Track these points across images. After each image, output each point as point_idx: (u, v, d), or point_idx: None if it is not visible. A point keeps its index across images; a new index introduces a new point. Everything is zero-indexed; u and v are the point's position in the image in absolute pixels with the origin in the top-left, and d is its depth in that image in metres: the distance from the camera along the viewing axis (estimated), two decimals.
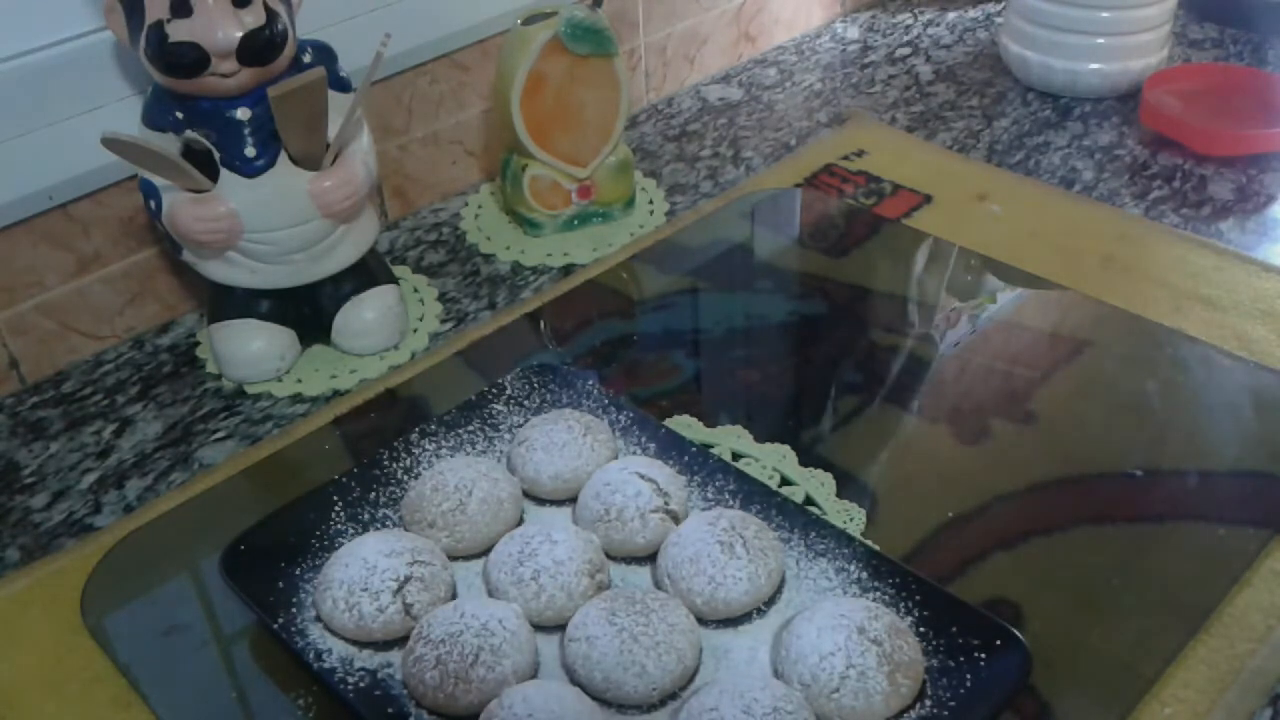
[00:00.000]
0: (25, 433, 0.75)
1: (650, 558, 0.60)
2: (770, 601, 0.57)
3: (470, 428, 0.68)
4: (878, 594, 0.57)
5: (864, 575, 0.58)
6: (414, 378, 0.76)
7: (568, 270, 0.86)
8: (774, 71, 1.14)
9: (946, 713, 0.52)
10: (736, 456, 0.68)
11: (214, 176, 0.70)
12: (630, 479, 0.61)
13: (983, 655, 0.53)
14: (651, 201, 0.94)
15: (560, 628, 0.56)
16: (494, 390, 0.70)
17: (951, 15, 1.23)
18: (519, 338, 0.79)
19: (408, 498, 0.63)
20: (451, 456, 0.66)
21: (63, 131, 0.74)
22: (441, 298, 0.84)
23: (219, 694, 0.56)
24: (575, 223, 0.90)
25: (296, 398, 0.76)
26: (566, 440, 0.64)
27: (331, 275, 0.76)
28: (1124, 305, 0.78)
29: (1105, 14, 1.00)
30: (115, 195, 0.78)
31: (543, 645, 0.56)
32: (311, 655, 0.55)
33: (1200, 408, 0.71)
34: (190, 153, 0.70)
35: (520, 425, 0.68)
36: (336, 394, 0.76)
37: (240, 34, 0.66)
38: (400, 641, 0.56)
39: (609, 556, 0.60)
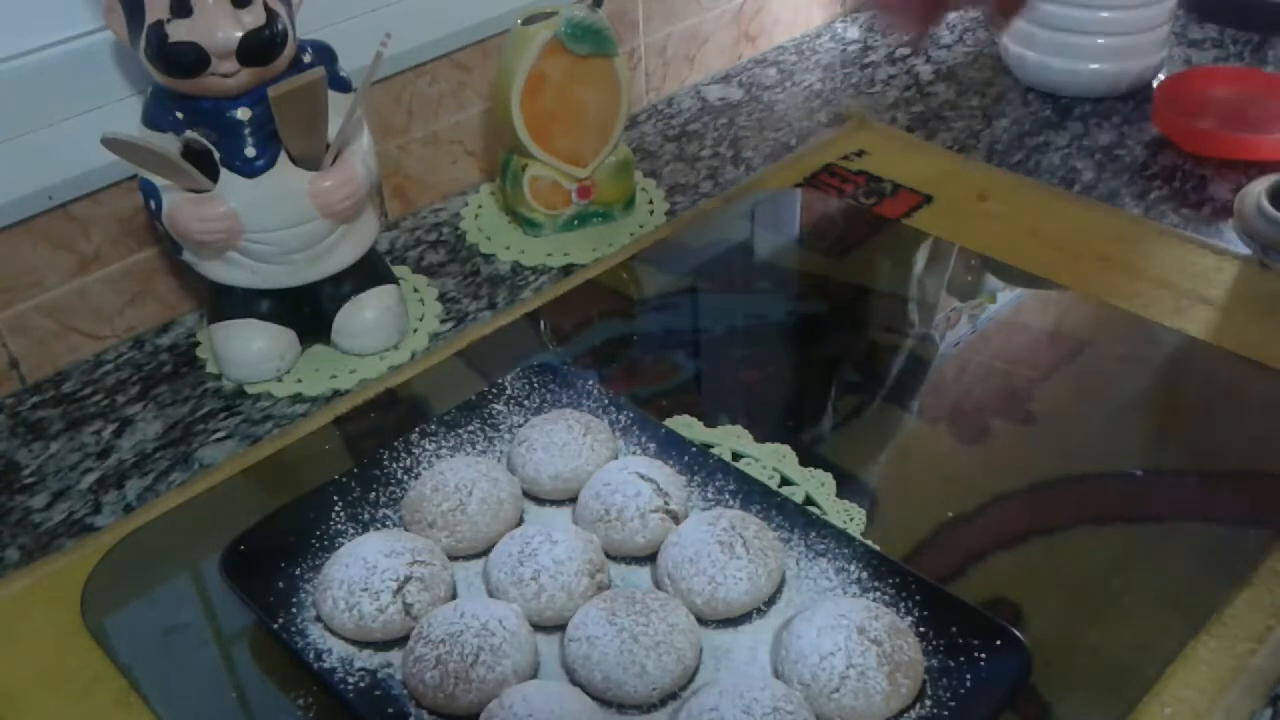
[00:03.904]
0: (25, 433, 0.75)
1: (650, 558, 0.60)
2: (770, 601, 0.57)
3: (470, 428, 0.68)
4: (878, 594, 0.57)
5: (864, 575, 0.58)
6: (414, 378, 0.76)
7: (568, 270, 0.86)
8: (774, 71, 1.14)
9: (946, 713, 0.52)
10: (736, 456, 0.68)
11: (214, 176, 0.70)
12: (630, 479, 0.61)
13: (983, 655, 0.53)
14: (651, 201, 0.94)
15: (560, 628, 0.56)
16: (494, 390, 0.70)
17: (952, 15, 1.23)
18: (519, 338, 0.79)
19: (408, 498, 0.63)
20: (451, 456, 0.66)
21: (63, 131, 0.74)
22: (441, 298, 0.84)
23: (219, 694, 0.56)
24: (575, 223, 0.90)
25: (296, 398, 0.76)
26: (566, 440, 0.64)
27: (331, 275, 0.76)
28: (1124, 305, 0.78)
29: (1105, 14, 1.00)
30: (115, 195, 0.78)
31: (543, 645, 0.56)
32: (311, 655, 0.55)
33: (1200, 408, 0.71)
34: (190, 153, 0.70)
35: (520, 425, 0.68)
36: (336, 394, 0.76)
37: (240, 34, 0.66)
38: (400, 641, 0.56)
39: (609, 556, 0.60)
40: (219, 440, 0.73)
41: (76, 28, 0.73)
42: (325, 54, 0.74)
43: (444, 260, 0.89)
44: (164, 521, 0.66)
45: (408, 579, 0.56)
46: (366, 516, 0.63)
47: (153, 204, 0.71)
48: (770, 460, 0.67)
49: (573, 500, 0.63)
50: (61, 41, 0.73)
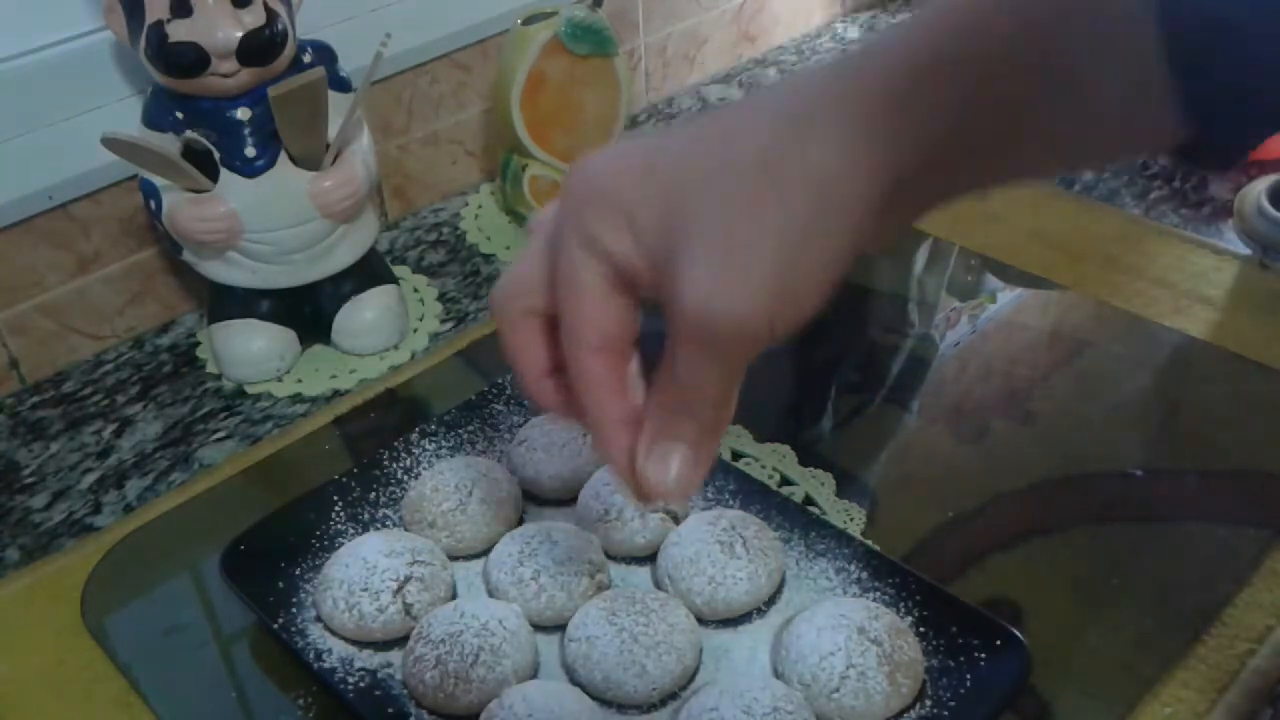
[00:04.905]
0: (25, 433, 0.75)
1: (650, 558, 0.60)
2: (770, 601, 0.57)
3: (470, 428, 0.68)
4: (878, 594, 0.57)
5: (864, 575, 0.58)
6: (414, 378, 0.76)
7: None
8: (774, 71, 1.14)
9: (946, 713, 0.52)
10: (736, 456, 0.68)
11: (214, 176, 0.70)
12: None
13: (983, 655, 0.53)
14: None
15: (560, 628, 0.56)
16: (494, 390, 0.70)
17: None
18: None
19: (408, 498, 0.63)
20: (451, 456, 0.66)
21: (63, 131, 0.74)
22: (441, 298, 0.84)
23: (219, 694, 0.56)
24: None
25: (296, 398, 0.76)
26: (566, 440, 0.64)
27: (331, 275, 0.76)
28: (1124, 305, 0.78)
29: None
30: (115, 195, 0.78)
31: (543, 645, 0.56)
32: (311, 655, 0.55)
33: (1200, 408, 0.71)
34: (190, 153, 0.70)
35: (520, 425, 0.68)
36: (336, 394, 0.76)
37: (240, 34, 0.66)
38: (400, 641, 0.56)
39: (609, 556, 0.60)
40: (219, 440, 0.73)
41: (76, 28, 0.73)
42: (325, 54, 0.74)
43: (444, 260, 0.89)
44: (164, 521, 0.66)
45: (408, 579, 0.56)
46: (366, 516, 0.63)
47: (153, 204, 0.71)
48: (770, 460, 0.67)
49: (573, 500, 0.63)
50: (61, 41, 0.73)
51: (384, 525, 0.63)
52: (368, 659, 0.56)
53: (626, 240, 0.32)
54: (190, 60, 0.66)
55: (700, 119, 0.33)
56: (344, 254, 0.76)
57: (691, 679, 0.54)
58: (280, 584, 0.59)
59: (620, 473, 0.35)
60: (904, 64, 0.31)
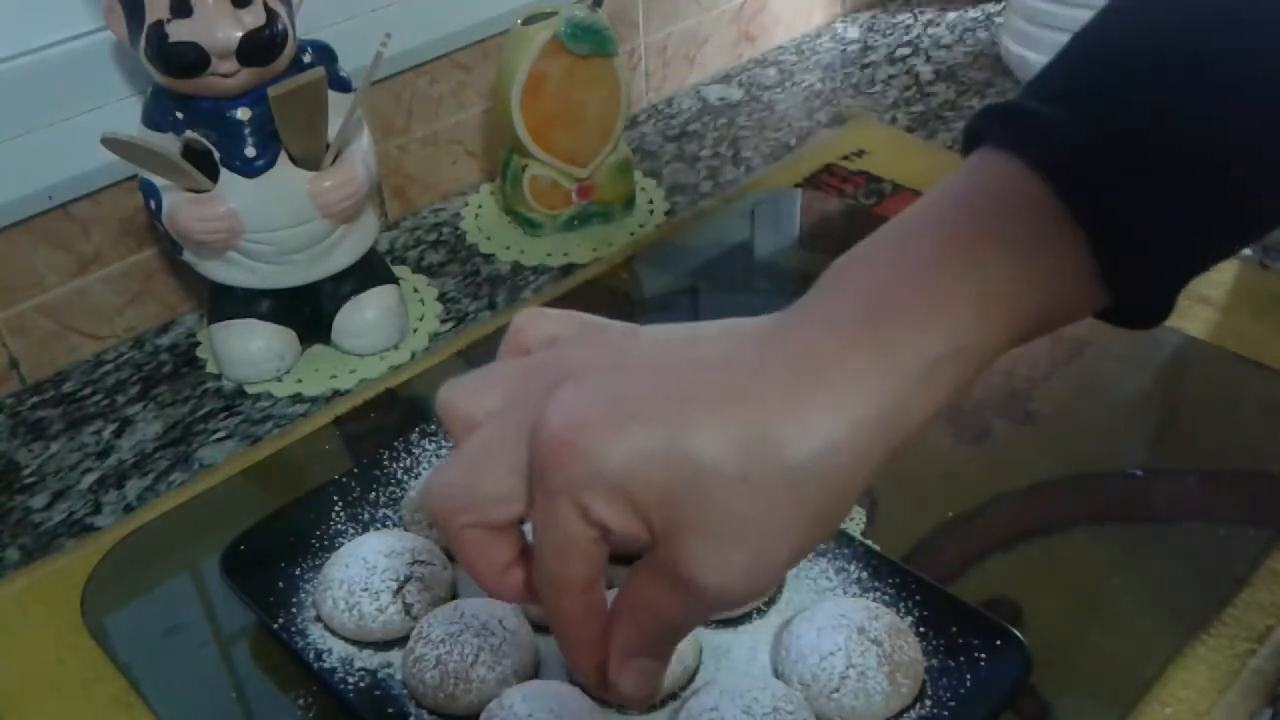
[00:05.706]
0: (25, 433, 0.75)
1: None
2: (770, 601, 0.57)
3: None
4: (878, 594, 0.57)
5: (864, 575, 0.58)
6: (414, 378, 0.76)
7: (568, 270, 0.86)
8: (774, 71, 1.14)
9: (946, 713, 0.52)
10: None
11: (214, 176, 0.70)
12: None
13: (983, 655, 0.53)
14: (651, 201, 0.94)
15: None
16: None
17: (951, 15, 1.23)
18: None
19: (408, 498, 0.63)
20: None
21: (63, 131, 0.74)
22: (441, 298, 0.84)
23: (219, 694, 0.56)
24: (575, 223, 0.90)
25: (296, 398, 0.76)
26: None
27: (331, 275, 0.76)
28: None
29: None
30: (115, 195, 0.78)
31: (543, 645, 0.56)
32: (311, 655, 0.55)
33: (1200, 408, 0.71)
34: (190, 153, 0.70)
35: None
36: (336, 394, 0.76)
37: (240, 34, 0.66)
38: (400, 641, 0.56)
39: (610, 558, 0.60)
40: (219, 440, 0.73)
41: (76, 28, 0.73)
42: (325, 54, 0.74)
43: (444, 260, 0.89)
44: (164, 521, 0.66)
45: (408, 579, 0.56)
46: (366, 516, 0.63)
47: (153, 204, 0.71)
48: None
49: None
50: (61, 41, 0.73)
51: (384, 525, 0.63)
52: (368, 659, 0.56)
53: (626, 516, 0.32)
54: (190, 60, 0.66)
55: (691, 348, 0.33)
56: (344, 254, 0.76)
57: (691, 679, 0.54)
58: (280, 584, 0.59)
59: (587, 679, 0.35)
60: (900, 379, 0.33)
